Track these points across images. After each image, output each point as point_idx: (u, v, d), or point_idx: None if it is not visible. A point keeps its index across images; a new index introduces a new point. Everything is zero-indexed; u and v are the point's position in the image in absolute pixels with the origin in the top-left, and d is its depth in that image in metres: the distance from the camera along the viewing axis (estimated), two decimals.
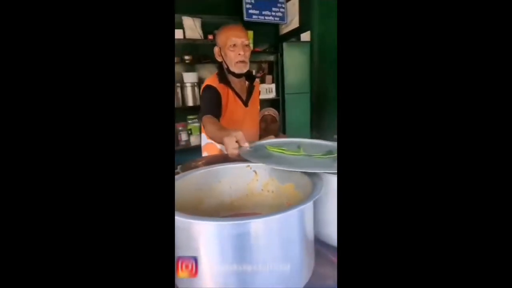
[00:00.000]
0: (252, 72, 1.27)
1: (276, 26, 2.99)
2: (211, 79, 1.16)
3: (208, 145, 1.19)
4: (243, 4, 2.59)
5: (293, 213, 0.39)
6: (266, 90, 3.11)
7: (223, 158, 0.97)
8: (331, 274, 0.47)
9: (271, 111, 1.82)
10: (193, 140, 2.70)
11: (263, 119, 1.74)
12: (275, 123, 1.81)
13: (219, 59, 1.17)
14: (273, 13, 2.75)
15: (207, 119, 1.00)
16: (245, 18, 2.63)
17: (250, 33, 2.83)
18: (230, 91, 1.14)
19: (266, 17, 2.73)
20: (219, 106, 1.09)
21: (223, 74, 1.16)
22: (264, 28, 2.90)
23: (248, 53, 1.12)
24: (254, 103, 1.25)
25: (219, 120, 1.09)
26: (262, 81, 3.12)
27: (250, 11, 2.63)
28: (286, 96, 3.11)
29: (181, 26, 2.54)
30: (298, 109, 3.10)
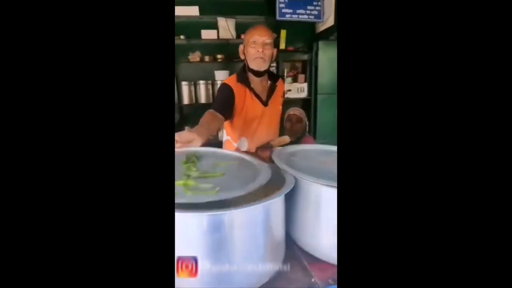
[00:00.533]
0: (273, 72, 1.29)
1: (312, 25, 2.92)
2: (230, 78, 1.22)
3: (227, 142, 1.27)
4: (276, 4, 2.60)
5: (257, 208, 0.39)
6: (298, 89, 3.07)
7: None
8: (300, 280, 0.49)
9: (296, 111, 1.81)
10: (221, 135, 2.84)
11: (288, 119, 1.74)
12: (300, 123, 1.78)
13: (242, 56, 1.21)
14: (308, 11, 2.70)
15: (207, 112, 1.03)
16: (278, 18, 2.64)
17: (283, 32, 2.83)
18: (248, 91, 1.18)
19: (300, 16, 2.70)
20: (230, 105, 1.13)
21: (244, 73, 1.20)
22: (299, 26, 2.86)
23: (268, 52, 1.14)
24: (275, 103, 1.27)
25: (229, 118, 1.16)
26: (295, 80, 3.09)
27: (283, 10, 2.63)
28: (318, 96, 3.02)
29: (215, 27, 2.68)
30: (331, 110, 2.99)
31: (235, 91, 1.15)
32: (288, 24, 2.80)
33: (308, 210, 0.53)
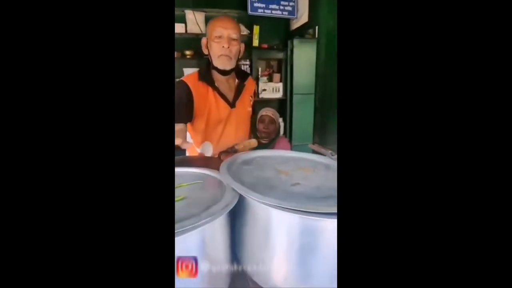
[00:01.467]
0: (242, 69, 1.16)
1: (286, 21, 2.80)
2: (190, 75, 1.05)
3: (191, 146, 1.09)
4: None
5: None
6: (273, 89, 2.94)
7: (197, 161, 0.90)
8: None
9: (269, 112, 1.68)
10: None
11: (261, 120, 1.62)
12: (273, 124, 1.67)
13: (205, 51, 1.05)
14: (282, 7, 2.58)
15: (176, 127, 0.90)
16: (249, 12, 2.50)
17: (256, 28, 2.69)
18: (211, 90, 1.03)
19: (274, 11, 2.57)
20: (188, 108, 0.98)
21: (207, 70, 1.05)
22: (273, 23, 2.73)
23: (234, 48, 0.99)
24: (243, 103, 1.12)
25: (189, 121, 0.99)
26: (270, 79, 2.96)
27: (255, 4, 2.49)
28: (294, 96, 2.90)
29: (183, 20, 2.49)
30: (307, 111, 2.88)
31: (194, 91, 0.99)
32: (261, 20, 2.66)
33: (255, 234, 0.44)
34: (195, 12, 2.49)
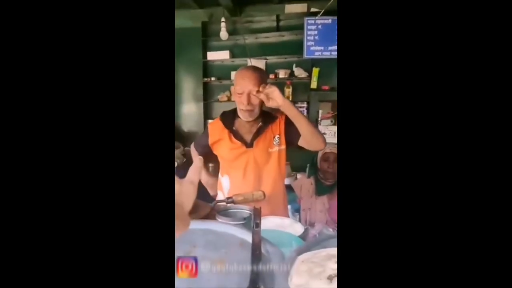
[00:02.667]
0: (270, 113, 1.12)
1: None
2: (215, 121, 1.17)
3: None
4: (304, 41, 2.42)
5: None
6: (335, 133, 2.63)
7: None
8: None
9: (334, 149, 1.41)
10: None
11: (324, 158, 1.38)
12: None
13: (233, 98, 1.14)
14: None
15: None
16: (305, 56, 2.43)
17: (316, 70, 2.57)
18: (227, 132, 1.09)
19: (333, 53, 2.39)
20: (204, 143, 1.12)
21: (231, 115, 1.12)
22: (336, 63, 2.53)
23: (256, 101, 1.01)
24: (264, 144, 1.09)
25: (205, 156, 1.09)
26: (334, 122, 2.68)
27: (312, 48, 2.40)
28: None
29: None
30: None
31: (210, 129, 1.11)
32: (324, 61, 2.52)
33: None
34: (257, 60, 2.67)
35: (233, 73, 2.73)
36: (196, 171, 0.41)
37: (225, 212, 0.93)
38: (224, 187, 1.11)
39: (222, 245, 0.53)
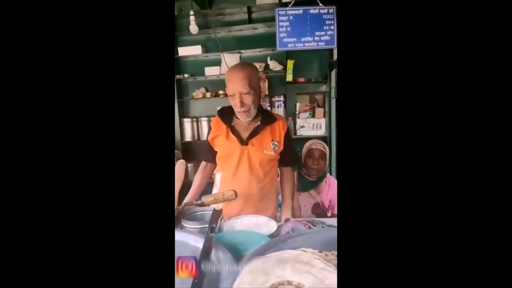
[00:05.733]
0: (270, 113, 1.11)
1: (329, 51, 2.52)
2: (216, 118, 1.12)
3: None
4: (276, 34, 2.36)
5: None
6: (314, 125, 2.64)
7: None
8: None
9: (319, 145, 1.34)
10: None
11: (309, 154, 1.31)
12: (324, 160, 1.32)
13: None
14: (317, 38, 2.34)
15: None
16: (278, 49, 2.38)
17: (290, 62, 2.55)
18: (225, 127, 1.05)
19: (307, 44, 2.36)
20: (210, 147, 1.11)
21: (228, 110, 1.07)
22: (311, 54, 2.51)
23: (248, 100, 0.97)
24: (260, 144, 1.05)
25: (210, 161, 1.14)
26: (312, 115, 2.68)
27: (285, 40, 2.36)
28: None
29: (219, 63, 2.63)
30: None
31: (212, 125, 1.10)
32: (299, 53, 2.49)
33: None
34: (230, 54, 2.59)
35: (206, 69, 2.64)
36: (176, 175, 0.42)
37: (191, 216, 0.90)
38: (216, 184, 1.11)
39: None
